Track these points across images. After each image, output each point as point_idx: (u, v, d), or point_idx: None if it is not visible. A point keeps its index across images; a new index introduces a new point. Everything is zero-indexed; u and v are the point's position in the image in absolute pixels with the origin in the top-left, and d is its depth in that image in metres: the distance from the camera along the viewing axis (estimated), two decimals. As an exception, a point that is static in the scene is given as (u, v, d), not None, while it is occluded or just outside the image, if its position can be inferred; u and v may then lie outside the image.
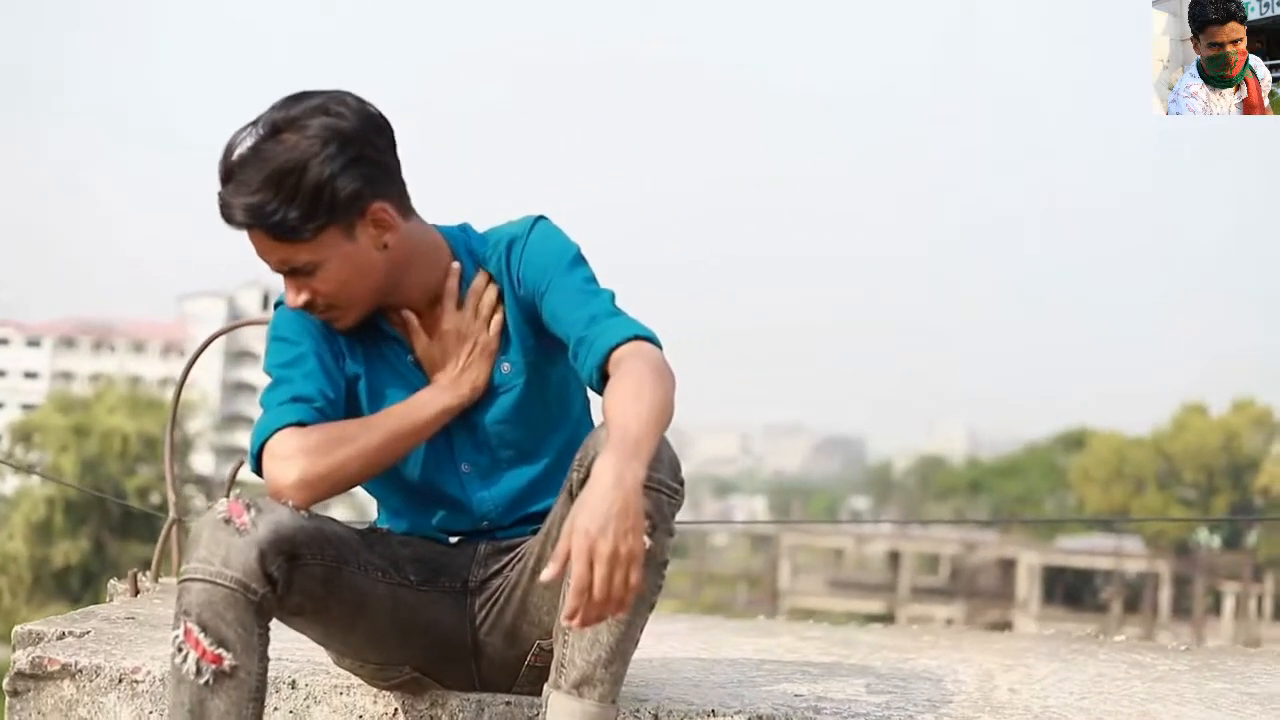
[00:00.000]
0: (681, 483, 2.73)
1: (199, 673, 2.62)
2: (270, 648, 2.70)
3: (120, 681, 3.25)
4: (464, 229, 3.07)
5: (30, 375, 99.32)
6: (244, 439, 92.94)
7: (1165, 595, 54.14)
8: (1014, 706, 3.31)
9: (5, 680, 3.28)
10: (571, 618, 2.48)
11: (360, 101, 2.87)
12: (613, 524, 2.47)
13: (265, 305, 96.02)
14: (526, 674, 3.03)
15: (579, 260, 2.96)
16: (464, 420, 3.00)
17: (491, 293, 3.00)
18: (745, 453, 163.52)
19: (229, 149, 2.82)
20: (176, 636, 2.64)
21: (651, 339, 2.82)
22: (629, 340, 2.80)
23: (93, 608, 4.06)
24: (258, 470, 2.86)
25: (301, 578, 2.74)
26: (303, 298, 2.91)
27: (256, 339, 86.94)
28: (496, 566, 3.02)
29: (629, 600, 2.49)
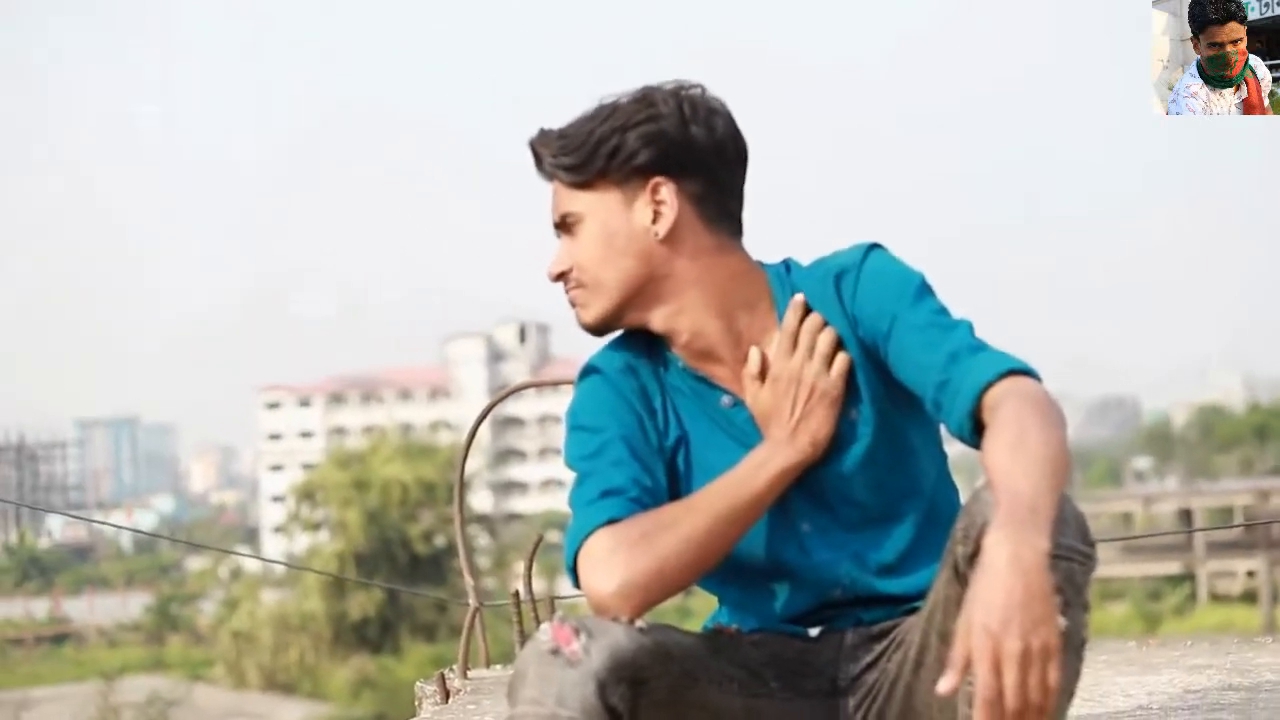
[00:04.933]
0: (1092, 544, 2.24)
1: None
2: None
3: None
4: (787, 264, 2.63)
5: (305, 435, 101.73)
6: (518, 472, 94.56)
7: None
8: None
9: None
10: None
11: (712, 102, 2.58)
12: (1017, 616, 2.02)
13: (523, 339, 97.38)
14: None
15: (924, 290, 2.49)
16: (800, 479, 2.54)
17: (830, 332, 2.55)
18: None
19: None
20: None
21: (1028, 371, 2.34)
22: (1002, 377, 2.32)
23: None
24: (576, 583, 2.44)
25: (648, 705, 2.30)
26: (560, 266, 2.60)
27: (519, 374, 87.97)
28: (869, 658, 2.55)
29: (1049, 704, 2.03)
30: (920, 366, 2.43)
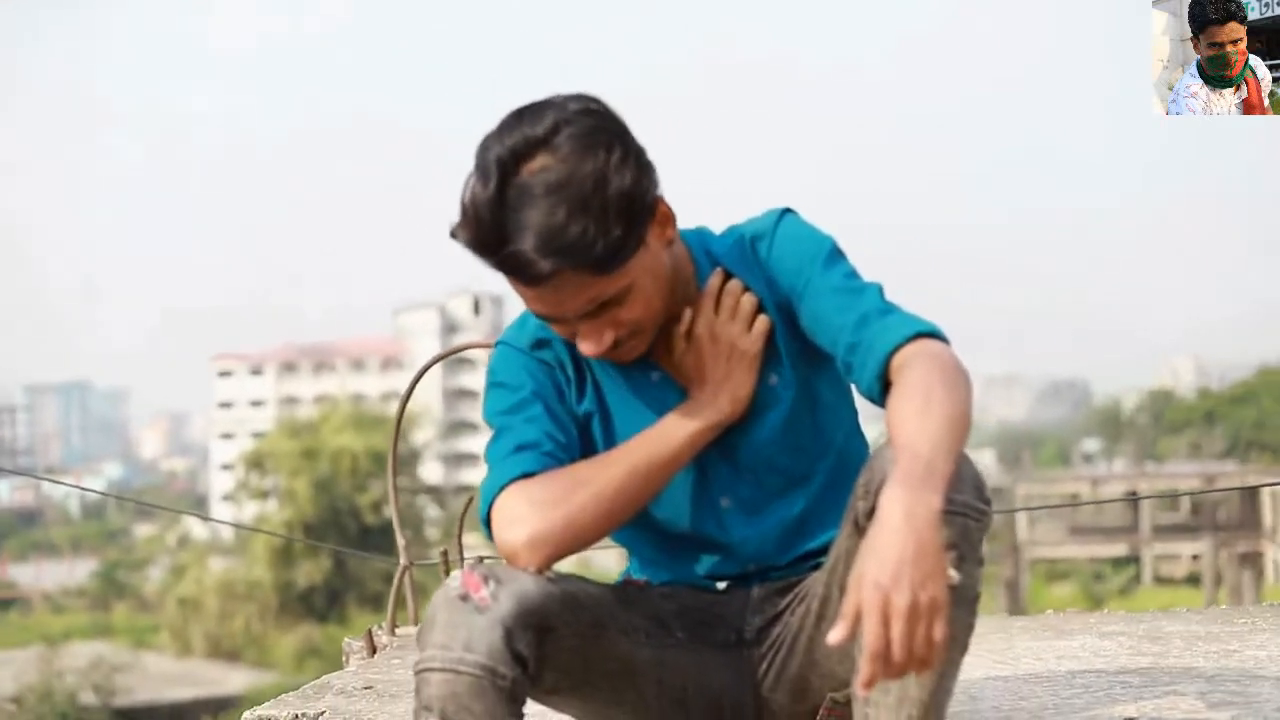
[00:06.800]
0: (988, 501, 2.29)
1: None
2: (524, 733, 2.34)
3: (363, 774, 2.91)
4: (700, 232, 2.64)
5: (256, 404, 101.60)
6: (470, 444, 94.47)
7: None
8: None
9: None
10: (869, 685, 2.08)
11: (587, 95, 2.41)
12: (907, 571, 2.06)
13: (476, 311, 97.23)
14: None
15: (836, 254, 2.52)
16: (720, 445, 2.57)
17: (751, 296, 2.56)
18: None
19: (471, 210, 2.31)
20: None
21: (936, 334, 2.39)
22: (911, 340, 2.37)
23: (328, 678, 3.74)
24: (490, 536, 2.48)
25: (555, 652, 2.36)
26: (608, 336, 2.44)
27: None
28: (774, 611, 2.61)
29: (934, 658, 2.08)
30: (832, 328, 2.46)
